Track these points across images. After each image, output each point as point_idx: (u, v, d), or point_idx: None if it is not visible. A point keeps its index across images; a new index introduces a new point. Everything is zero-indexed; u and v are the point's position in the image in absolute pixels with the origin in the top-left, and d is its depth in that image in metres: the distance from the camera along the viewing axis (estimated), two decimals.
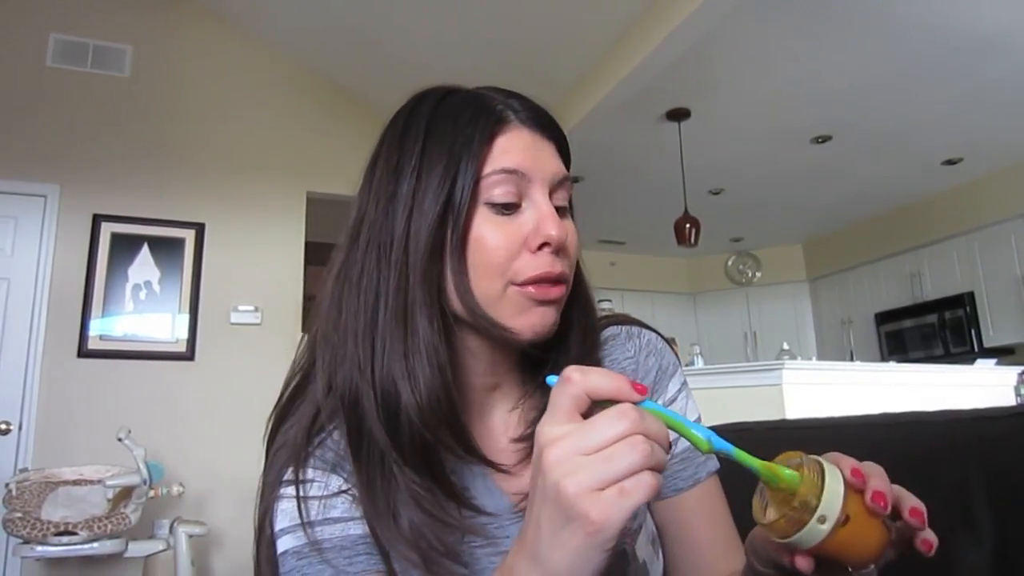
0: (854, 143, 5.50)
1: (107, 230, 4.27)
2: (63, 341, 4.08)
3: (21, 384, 3.96)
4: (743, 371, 3.82)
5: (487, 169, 0.68)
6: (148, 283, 4.31)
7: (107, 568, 3.83)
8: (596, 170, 6.00)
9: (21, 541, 3.14)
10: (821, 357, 7.34)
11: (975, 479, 0.84)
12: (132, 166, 4.42)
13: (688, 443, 0.52)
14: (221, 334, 4.43)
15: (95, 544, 3.21)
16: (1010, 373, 4.40)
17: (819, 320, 8.04)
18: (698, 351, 5.33)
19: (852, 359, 6.87)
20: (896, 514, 0.51)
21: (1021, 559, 0.78)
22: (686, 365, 4.40)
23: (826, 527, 0.48)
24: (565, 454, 0.47)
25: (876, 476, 0.51)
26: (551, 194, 0.70)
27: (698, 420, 0.81)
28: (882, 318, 7.10)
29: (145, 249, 4.34)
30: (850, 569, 0.51)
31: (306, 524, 0.68)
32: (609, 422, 0.47)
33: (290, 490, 0.70)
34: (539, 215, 0.68)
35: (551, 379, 0.51)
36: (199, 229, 4.48)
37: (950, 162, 5.88)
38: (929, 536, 0.51)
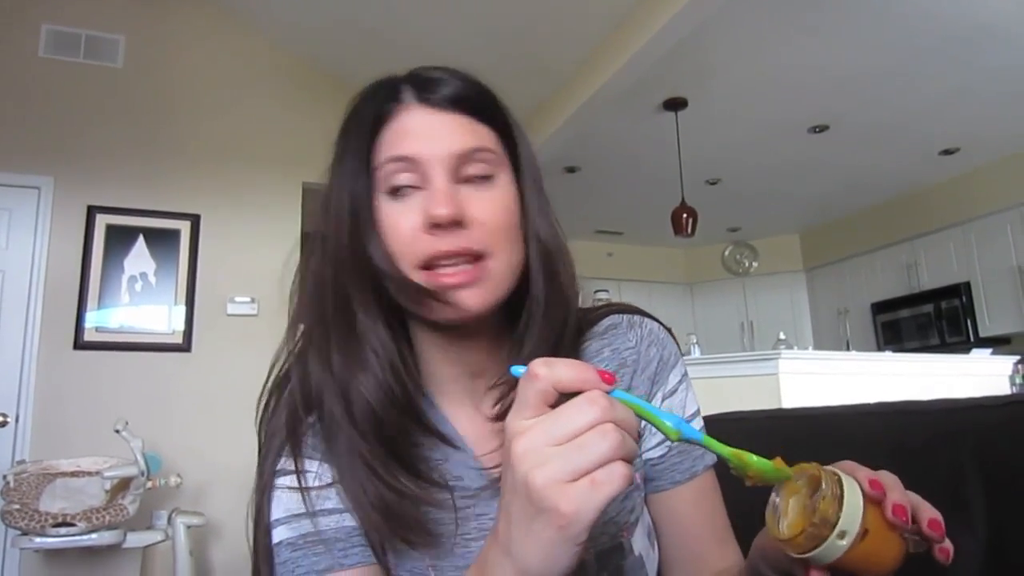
0: (851, 133, 5.50)
1: (102, 222, 4.25)
2: (59, 333, 4.08)
3: (17, 376, 3.96)
4: (740, 361, 3.83)
5: (382, 158, 0.70)
6: (144, 275, 4.30)
7: (106, 559, 3.83)
8: (593, 160, 5.99)
9: (20, 532, 3.14)
10: (817, 347, 7.35)
11: (970, 468, 0.85)
12: (126, 157, 4.40)
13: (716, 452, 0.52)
14: (217, 325, 4.42)
15: (93, 535, 3.21)
16: (1005, 363, 4.42)
17: (815, 310, 8.05)
18: (695, 341, 5.35)
19: (848, 349, 6.88)
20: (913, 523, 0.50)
21: (1015, 547, 0.79)
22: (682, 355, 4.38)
23: (845, 542, 0.47)
24: (533, 445, 0.45)
25: (894, 488, 0.50)
26: (460, 168, 0.69)
27: (697, 412, 0.81)
28: (878, 308, 7.11)
29: (140, 241, 4.32)
30: None
31: (300, 515, 0.69)
32: (578, 410, 0.45)
33: (284, 480, 0.70)
34: (429, 195, 0.68)
35: (515, 369, 0.50)
36: (194, 220, 4.47)
37: (947, 152, 5.88)
38: (947, 545, 0.50)
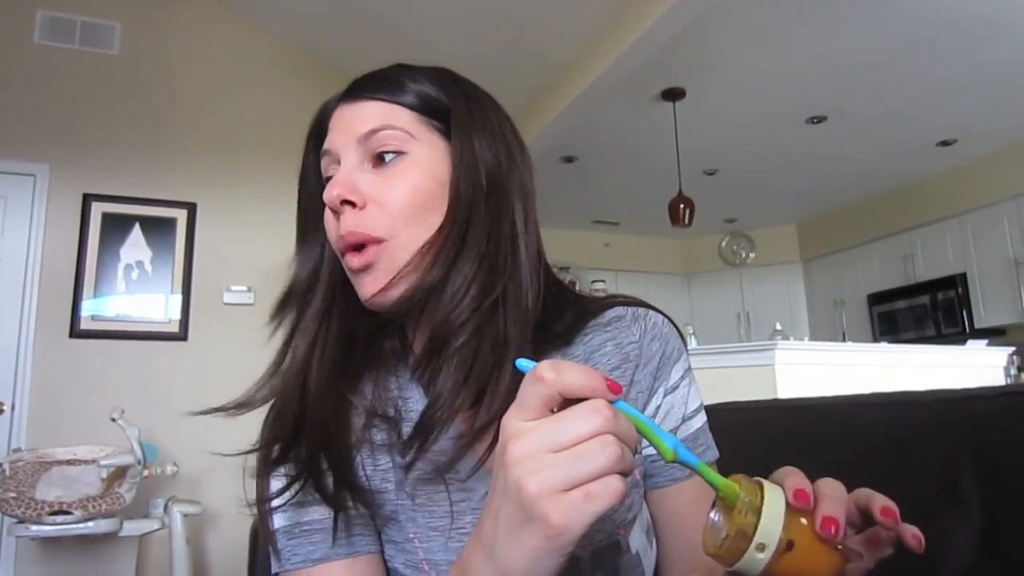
0: (849, 124, 5.50)
1: (98, 210, 4.24)
2: (55, 322, 4.07)
3: (13, 365, 3.95)
4: (736, 351, 3.84)
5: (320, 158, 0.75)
6: (140, 263, 4.29)
7: (102, 547, 3.84)
8: (591, 150, 5.99)
9: (16, 521, 3.15)
10: (814, 338, 7.36)
11: (964, 458, 0.85)
12: (123, 145, 4.38)
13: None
14: (214, 314, 4.42)
15: (90, 523, 3.22)
16: (1001, 354, 4.43)
17: (812, 301, 8.07)
18: (691, 332, 5.36)
19: (844, 340, 6.90)
20: (869, 519, 0.49)
21: (1009, 537, 0.79)
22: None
23: (764, 556, 0.45)
24: (531, 450, 0.44)
25: (827, 497, 0.47)
26: (367, 150, 0.71)
27: (699, 408, 0.80)
28: (875, 299, 7.13)
29: (136, 229, 4.31)
30: None
31: (296, 504, 0.69)
32: (581, 418, 0.44)
33: (281, 468, 0.70)
34: None
35: (520, 363, 0.49)
36: (191, 209, 4.46)
37: (944, 143, 5.88)
38: (914, 531, 0.49)
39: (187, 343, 4.33)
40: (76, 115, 4.31)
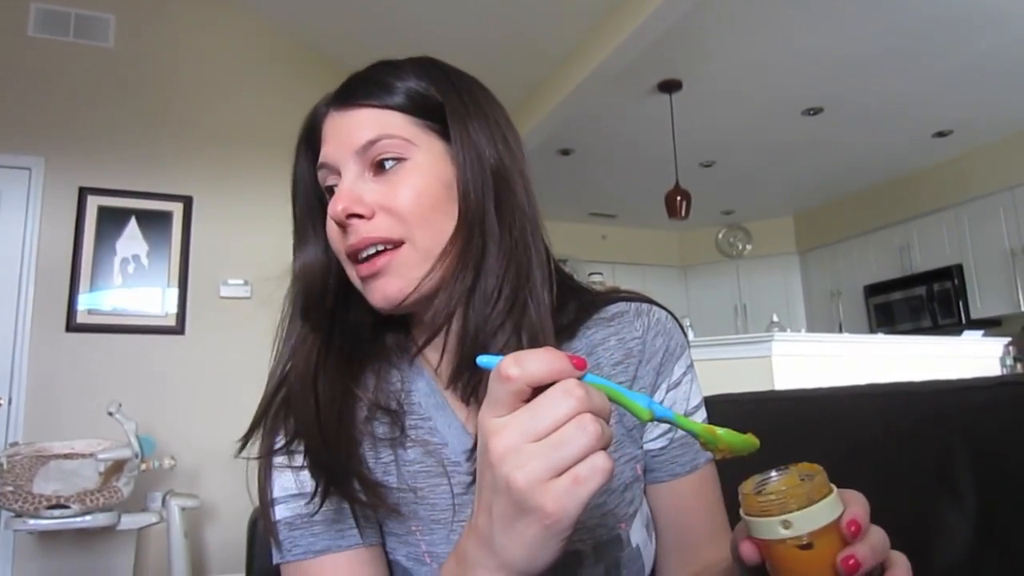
0: (845, 115, 5.49)
1: (93, 203, 4.23)
2: (51, 315, 4.06)
3: (10, 358, 3.94)
4: (733, 343, 3.85)
5: (318, 168, 0.75)
6: (136, 257, 4.28)
7: (100, 541, 3.84)
8: (587, 142, 5.98)
9: (13, 514, 3.15)
10: (810, 329, 7.38)
11: (960, 448, 0.85)
12: (118, 138, 4.37)
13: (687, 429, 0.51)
14: (211, 308, 4.41)
15: (87, 517, 3.22)
16: (996, 344, 4.45)
17: (809, 292, 8.08)
18: (688, 324, 5.36)
19: (841, 331, 6.92)
20: None
21: (1003, 527, 0.79)
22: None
23: (784, 533, 0.47)
24: (512, 443, 0.44)
25: (866, 544, 0.48)
26: (367, 159, 0.70)
27: (700, 404, 0.81)
28: (871, 290, 7.13)
29: (132, 222, 4.30)
30: None
31: (297, 495, 0.69)
32: (554, 403, 0.44)
33: (281, 459, 0.70)
34: None
35: (482, 360, 0.49)
36: (187, 202, 4.45)
37: (941, 134, 5.88)
38: (862, 554, 0.48)
39: (184, 336, 4.33)
40: (71, 108, 4.29)
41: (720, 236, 8.53)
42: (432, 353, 0.74)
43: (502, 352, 0.63)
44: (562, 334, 0.75)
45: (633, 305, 0.80)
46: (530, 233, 0.71)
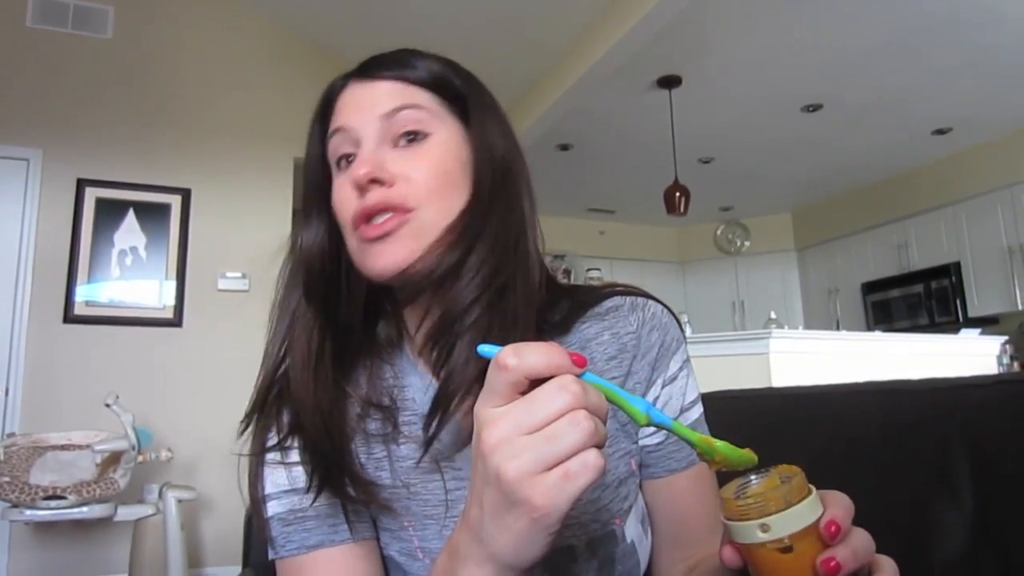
0: (845, 112, 5.49)
1: (91, 195, 4.22)
2: (49, 307, 4.06)
3: (7, 349, 3.94)
4: (731, 340, 3.85)
5: (327, 137, 0.75)
6: (134, 249, 4.28)
7: (97, 532, 3.85)
8: (586, 138, 5.97)
9: (10, 505, 3.15)
10: (808, 326, 7.39)
11: (957, 446, 0.85)
12: (116, 130, 4.36)
13: (684, 424, 0.51)
14: (208, 300, 4.41)
15: (84, 508, 3.22)
16: (993, 343, 4.45)
17: (806, 289, 8.08)
18: (686, 320, 5.36)
19: (839, 328, 6.93)
20: None
21: (1000, 525, 0.79)
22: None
23: (763, 536, 0.47)
24: (505, 435, 0.44)
25: (846, 546, 0.47)
26: (389, 129, 0.71)
27: (697, 399, 0.80)
28: (869, 288, 7.14)
29: (130, 214, 4.29)
30: None
31: (290, 491, 0.69)
32: (550, 398, 0.44)
33: (273, 455, 0.70)
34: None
35: (482, 349, 0.48)
36: (185, 194, 4.44)
37: (940, 132, 5.88)
38: (842, 556, 0.47)
39: (181, 329, 4.33)
40: (69, 100, 4.28)
41: (718, 232, 8.54)
42: (411, 321, 0.75)
43: (473, 332, 0.64)
44: (554, 331, 0.75)
45: (628, 299, 0.79)
46: (527, 228, 0.73)
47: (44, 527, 3.75)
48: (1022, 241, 5.74)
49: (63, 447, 3.30)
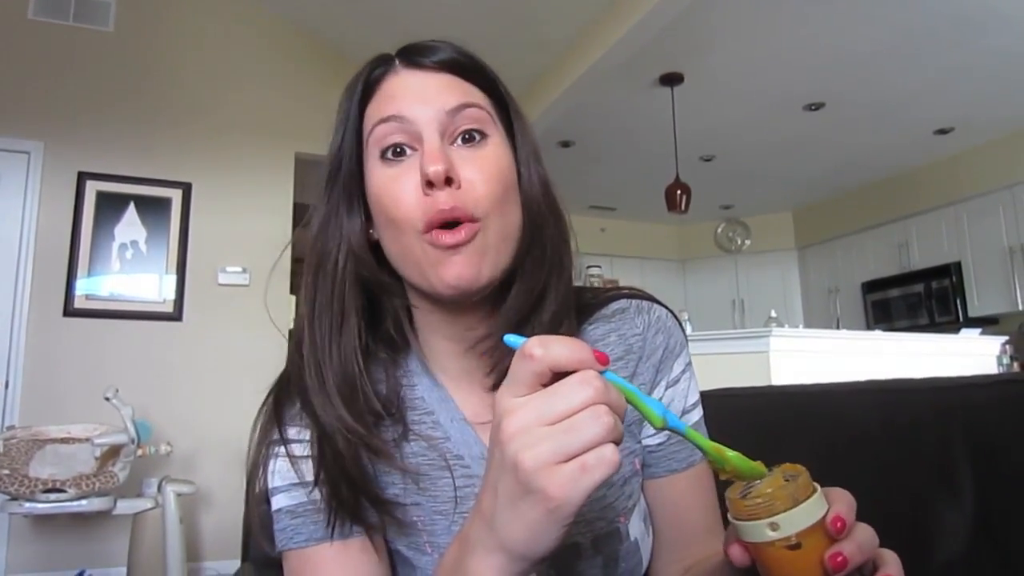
0: (847, 111, 5.48)
1: (92, 188, 4.22)
2: (49, 300, 4.06)
3: (7, 342, 3.94)
4: (731, 338, 3.84)
5: (372, 122, 0.69)
6: (135, 243, 4.27)
7: (96, 525, 3.85)
8: (588, 135, 5.96)
9: (9, 497, 3.15)
10: (808, 325, 7.39)
11: (958, 445, 0.85)
12: (117, 123, 4.36)
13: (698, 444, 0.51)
14: (209, 295, 4.41)
15: (83, 501, 3.22)
16: (994, 343, 4.45)
17: (807, 288, 8.08)
18: (686, 318, 5.36)
19: (838, 327, 6.92)
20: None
21: (1002, 524, 0.80)
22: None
23: (772, 535, 0.48)
24: (524, 424, 0.45)
25: (852, 541, 0.48)
26: (451, 126, 0.68)
27: (697, 402, 0.81)
28: (869, 287, 7.14)
29: (131, 208, 4.29)
30: None
31: (299, 484, 0.69)
32: (572, 390, 0.45)
33: (282, 448, 0.70)
34: (422, 155, 0.66)
35: (509, 339, 0.49)
36: (186, 189, 4.44)
37: (942, 131, 5.88)
38: (849, 550, 0.48)
39: (181, 323, 4.33)
40: (70, 92, 4.28)
41: (719, 231, 8.53)
42: (448, 342, 0.74)
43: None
44: (536, 324, 0.75)
45: (634, 302, 0.80)
46: (568, 239, 0.74)
47: (43, 520, 3.75)
48: (1023, 241, 5.74)
49: (63, 440, 3.30)
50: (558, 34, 4.49)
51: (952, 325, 6.04)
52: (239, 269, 4.46)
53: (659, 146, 5.68)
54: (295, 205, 4.74)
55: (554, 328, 0.69)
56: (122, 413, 3.35)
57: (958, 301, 6.22)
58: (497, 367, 0.70)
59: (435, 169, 0.63)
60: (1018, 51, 4.54)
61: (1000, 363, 4.50)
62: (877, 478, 0.91)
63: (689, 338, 0.84)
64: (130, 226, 4.28)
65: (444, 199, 0.64)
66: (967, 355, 4.30)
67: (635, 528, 0.75)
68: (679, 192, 5.09)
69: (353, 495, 0.66)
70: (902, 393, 0.99)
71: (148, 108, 4.45)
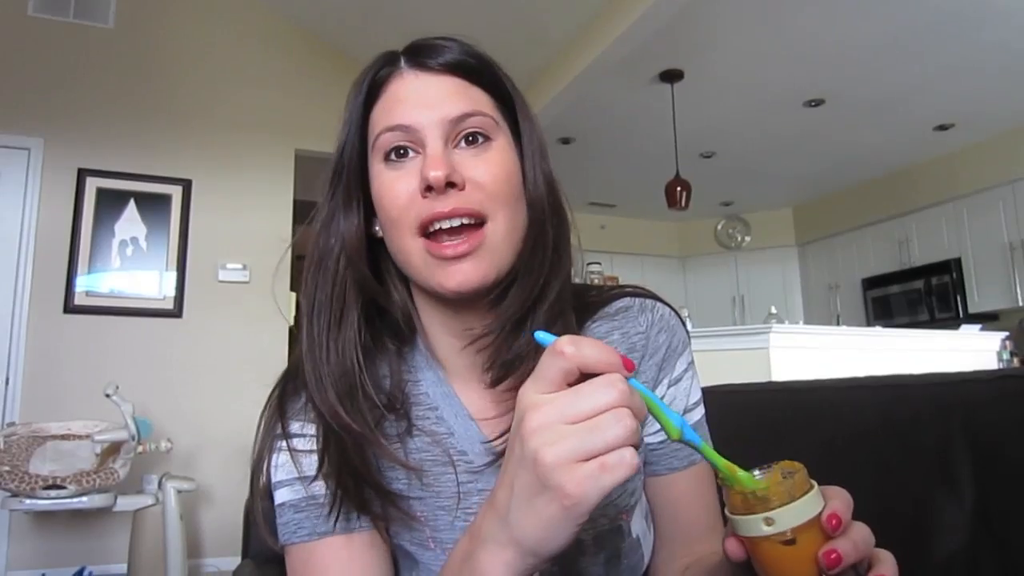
0: (847, 107, 5.48)
1: (92, 185, 4.21)
2: (49, 297, 4.06)
3: (8, 339, 3.95)
4: (731, 335, 3.84)
5: (378, 127, 0.70)
6: (135, 239, 4.27)
7: (96, 522, 3.86)
8: (587, 131, 5.96)
9: (9, 494, 3.15)
10: (808, 321, 7.39)
11: (957, 441, 0.85)
12: (117, 120, 4.35)
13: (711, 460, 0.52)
14: (209, 291, 4.41)
15: (84, 498, 3.22)
16: (994, 339, 4.45)
17: (807, 285, 8.08)
18: (687, 314, 5.36)
19: (839, 324, 6.92)
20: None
21: (1000, 519, 0.80)
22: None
23: (767, 529, 0.48)
24: (547, 421, 0.45)
25: (847, 539, 0.48)
26: (455, 132, 0.68)
27: (699, 401, 0.81)
28: (869, 283, 7.14)
29: (131, 205, 4.29)
30: None
31: (303, 478, 0.69)
32: (598, 391, 0.45)
33: (285, 442, 0.70)
34: (424, 159, 0.67)
35: (539, 336, 0.50)
36: (186, 185, 4.43)
37: (942, 128, 5.87)
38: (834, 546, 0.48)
39: (182, 320, 4.33)
40: (71, 89, 4.27)
41: (719, 227, 8.53)
42: (450, 338, 0.74)
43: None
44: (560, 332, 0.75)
45: (637, 301, 0.81)
46: (570, 237, 0.74)
47: (44, 517, 3.75)
48: (1023, 237, 5.73)
49: (63, 437, 3.30)
50: (558, 30, 4.48)
51: (952, 321, 6.03)
52: (239, 266, 4.46)
53: (659, 143, 5.67)
54: (295, 202, 4.74)
55: (550, 326, 0.69)
56: (122, 410, 3.35)
57: (958, 297, 6.21)
58: (495, 363, 0.70)
59: (436, 175, 0.64)
60: (1018, 46, 4.53)
61: (1000, 359, 4.50)
62: (877, 473, 0.91)
63: (690, 335, 0.84)
64: (130, 223, 4.28)
65: (444, 202, 0.65)
66: (967, 351, 4.30)
67: (637, 525, 0.76)
68: (679, 189, 5.08)
69: (358, 486, 0.67)
70: (902, 389, 0.99)
71: (148, 105, 4.45)
